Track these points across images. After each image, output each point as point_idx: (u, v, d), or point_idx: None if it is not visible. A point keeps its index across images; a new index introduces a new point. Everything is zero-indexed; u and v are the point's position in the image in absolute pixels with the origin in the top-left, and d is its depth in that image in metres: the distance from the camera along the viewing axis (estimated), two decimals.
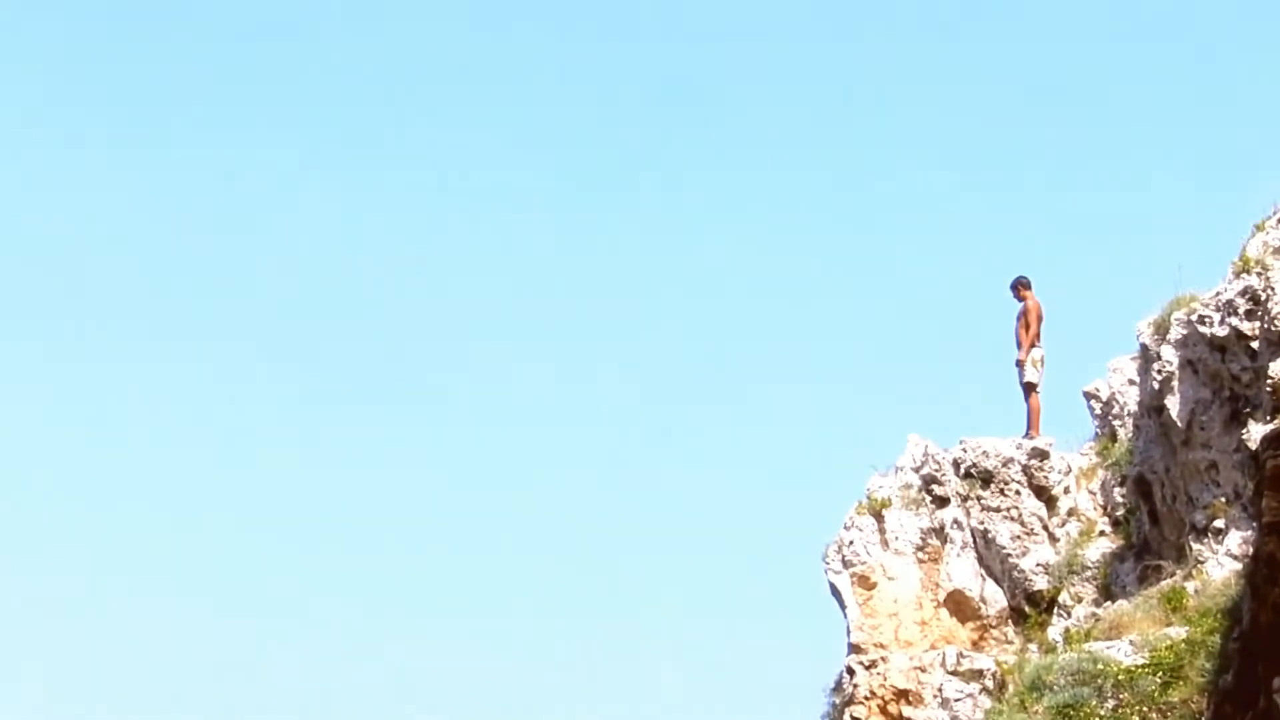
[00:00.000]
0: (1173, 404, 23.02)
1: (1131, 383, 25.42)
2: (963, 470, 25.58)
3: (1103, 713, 19.70)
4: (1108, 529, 24.99)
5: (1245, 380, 22.11)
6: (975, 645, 24.61)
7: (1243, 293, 22.13)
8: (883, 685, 24.15)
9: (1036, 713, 20.21)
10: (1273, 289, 21.71)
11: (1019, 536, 25.07)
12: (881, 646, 24.53)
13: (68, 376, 69.10)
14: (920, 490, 25.57)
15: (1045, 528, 25.16)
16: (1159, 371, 23.34)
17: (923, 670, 24.06)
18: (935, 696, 23.71)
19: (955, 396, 48.86)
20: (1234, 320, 22.19)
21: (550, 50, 72.22)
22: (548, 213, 70.60)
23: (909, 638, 24.65)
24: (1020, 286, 26.82)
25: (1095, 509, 25.38)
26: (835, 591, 25.26)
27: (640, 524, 62.68)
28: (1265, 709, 15.91)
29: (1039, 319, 26.61)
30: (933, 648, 24.43)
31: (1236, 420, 22.10)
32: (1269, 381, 21.36)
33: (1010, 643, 24.52)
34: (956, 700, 23.51)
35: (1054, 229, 63.22)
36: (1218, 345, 22.43)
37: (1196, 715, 18.81)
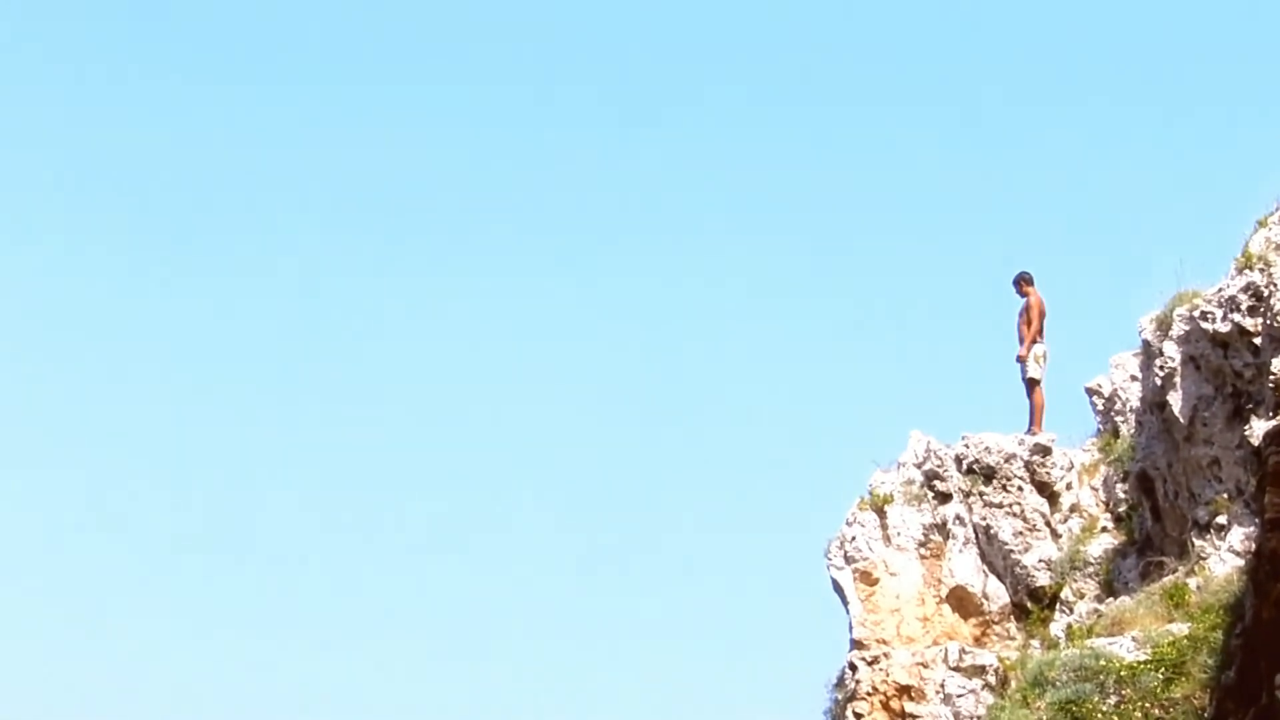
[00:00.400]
0: (1175, 400, 23.01)
1: (1134, 379, 25.40)
2: (965, 466, 25.57)
3: (1105, 709, 19.69)
4: (1110, 525, 24.98)
5: (1248, 376, 22.10)
6: (977, 641, 24.61)
7: (1245, 289, 22.12)
8: (885, 681, 24.15)
9: (1039, 709, 20.19)
10: (1275, 285, 21.70)
11: (1021, 532, 25.06)
12: (884, 642, 24.52)
13: (66, 373, 69.13)
14: (922, 486, 25.55)
15: (1047, 524, 25.15)
16: (1161, 367, 23.32)
17: (925, 666, 24.06)
18: (937, 692, 23.71)
19: (958, 392, 48.88)
20: (1236, 316, 22.18)
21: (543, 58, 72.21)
22: (548, 212, 70.67)
23: (911, 634, 24.65)
24: (1022, 282, 26.79)
25: (1097, 505, 25.37)
26: (837, 587, 25.26)
27: (640, 522, 62.73)
28: (1268, 705, 15.90)
29: (1041, 315, 26.57)
30: (935, 644, 24.43)
31: (1239, 416, 22.09)
32: (1271, 377, 21.37)
33: (1012, 639, 24.51)
34: (959, 696, 23.50)
35: (1056, 225, 63.21)
36: (1220, 341, 22.42)
37: (1199, 711, 18.79)
